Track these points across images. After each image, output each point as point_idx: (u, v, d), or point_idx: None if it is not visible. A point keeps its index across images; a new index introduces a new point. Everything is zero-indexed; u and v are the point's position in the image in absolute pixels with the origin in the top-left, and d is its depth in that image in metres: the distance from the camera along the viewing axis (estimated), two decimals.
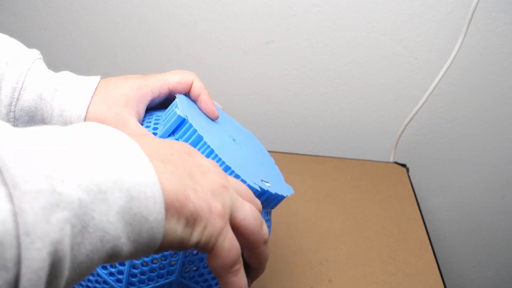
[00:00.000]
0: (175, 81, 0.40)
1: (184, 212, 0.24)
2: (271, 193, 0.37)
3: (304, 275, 0.55)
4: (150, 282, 0.33)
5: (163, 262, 0.33)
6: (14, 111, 0.37)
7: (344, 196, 0.72)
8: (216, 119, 0.41)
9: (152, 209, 0.22)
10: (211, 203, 0.25)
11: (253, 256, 0.30)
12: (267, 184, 0.38)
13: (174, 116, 0.36)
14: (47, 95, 0.37)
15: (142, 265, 0.33)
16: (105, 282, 0.34)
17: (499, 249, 0.95)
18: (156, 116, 0.40)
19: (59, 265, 0.18)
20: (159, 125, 0.38)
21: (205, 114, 0.41)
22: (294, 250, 0.58)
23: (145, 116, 0.41)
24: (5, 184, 0.16)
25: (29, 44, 0.43)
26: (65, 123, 0.37)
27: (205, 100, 0.41)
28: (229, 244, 0.26)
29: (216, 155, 0.34)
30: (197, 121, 0.37)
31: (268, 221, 0.41)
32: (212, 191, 0.26)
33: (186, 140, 0.35)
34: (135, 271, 0.33)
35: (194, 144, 0.35)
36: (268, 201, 0.38)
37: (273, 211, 0.64)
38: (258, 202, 0.31)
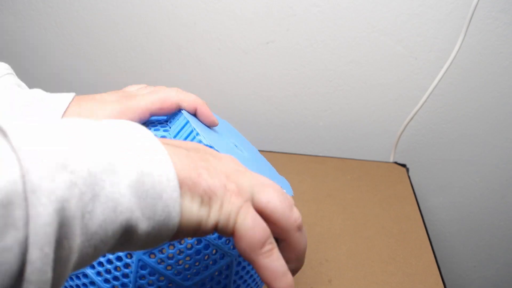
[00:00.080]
0: (157, 107, 0.37)
1: (197, 190, 0.23)
2: None
3: (304, 275, 0.55)
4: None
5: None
6: None
7: (344, 196, 0.72)
8: (216, 126, 0.41)
9: (166, 186, 0.22)
10: (225, 183, 0.24)
11: (287, 247, 0.26)
12: None
13: (184, 123, 0.36)
14: (14, 112, 0.35)
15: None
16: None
17: (499, 249, 0.95)
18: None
19: (68, 227, 0.18)
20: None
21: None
22: None
23: None
24: (13, 149, 0.17)
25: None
26: None
27: (203, 113, 0.39)
28: (252, 222, 0.24)
29: None
30: (201, 129, 0.37)
31: None
32: (226, 173, 0.25)
33: None
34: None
35: None
36: None
37: None
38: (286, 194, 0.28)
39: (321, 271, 0.56)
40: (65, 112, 0.36)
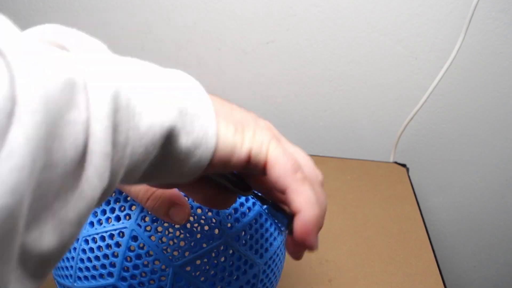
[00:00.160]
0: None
1: (231, 119, 0.25)
2: None
3: (304, 275, 0.55)
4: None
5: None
6: None
7: (344, 196, 0.72)
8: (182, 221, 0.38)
9: (203, 110, 0.23)
10: (256, 120, 0.26)
11: (288, 199, 0.25)
12: None
13: None
14: None
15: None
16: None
17: (499, 249, 0.95)
18: None
19: (122, 114, 0.19)
20: None
21: None
22: None
23: None
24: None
25: None
26: None
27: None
28: (283, 150, 0.25)
29: None
30: None
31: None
32: (256, 120, 0.27)
33: None
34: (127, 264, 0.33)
35: None
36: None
37: None
38: (318, 171, 0.28)
39: (321, 271, 0.56)
40: None
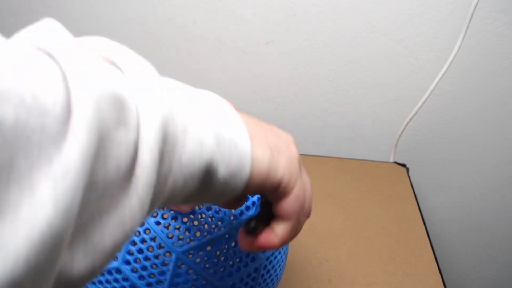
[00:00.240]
0: None
1: (266, 143, 0.25)
2: None
3: (304, 275, 0.55)
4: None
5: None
6: None
7: (344, 196, 0.72)
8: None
9: (240, 139, 0.23)
10: (289, 146, 0.27)
11: (276, 218, 0.30)
12: None
13: None
14: None
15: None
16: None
17: (499, 249, 0.95)
18: None
19: (169, 144, 0.19)
20: None
21: None
22: (294, 250, 0.58)
23: None
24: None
25: None
26: None
27: None
28: (303, 190, 0.28)
29: None
30: None
31: None
32: (287, 142, 0.28)
33: None
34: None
35: None
36: None
37: None
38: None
39: (321, 271, 0.56)
40: None
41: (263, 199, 0.31)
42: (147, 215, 0.19)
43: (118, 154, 0.16)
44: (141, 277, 0.33)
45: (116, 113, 0.16)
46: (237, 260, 0.35)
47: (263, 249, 0.28)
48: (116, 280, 0.33)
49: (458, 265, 0.98)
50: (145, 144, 0.17)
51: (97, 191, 0.16)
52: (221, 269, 0.34)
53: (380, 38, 0.80)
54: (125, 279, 0.33)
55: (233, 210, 0.36)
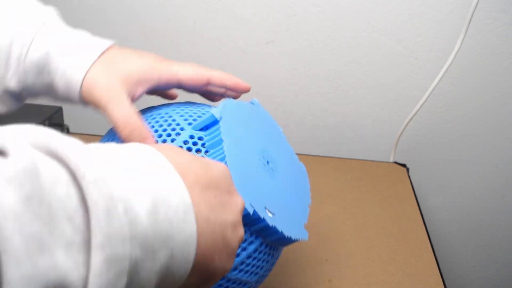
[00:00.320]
0: (188, 77, 0.39)
1: (204, 274, 0.26)
2: (267, 224, 0.35)
3: (304, 275, 0.55)
4: None
5: None
6: (24, 65, 0.38)
7: (344, 196, 0.72)
8: (248, 90, 0.42)
9: (182, 270, 0.24)
10: (226, 266, 0.28)
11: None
12: (269, 214, 0.36)
13: (209, 115, 0.36)
14: (55, 52, 0.38)
15: None
16: None
17: (499, 249, 0.95)
18: (155, 115, 0.40)
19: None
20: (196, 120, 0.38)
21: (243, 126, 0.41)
22: (294, 250, 0.58)
23: (147, 110, 0.41)
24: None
25: None
26: (66, 82, 0.37)
27: (235, 86, 0.41)
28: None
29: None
30: (231, 129, 0.36)
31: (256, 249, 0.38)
32: (233, 249, 0.28)
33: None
34: None
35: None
36: (265, 232, 0.36)
37: None
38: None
39: (321, 271, 0.56)
40: (103, 54, 0.39)
41: None
42: None
43: None
44: None
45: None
46: None
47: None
48: None
49: (458, 265, 0.98)
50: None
51: None
52: None
53: (380, 38, 0.80)
54: None
55: None
